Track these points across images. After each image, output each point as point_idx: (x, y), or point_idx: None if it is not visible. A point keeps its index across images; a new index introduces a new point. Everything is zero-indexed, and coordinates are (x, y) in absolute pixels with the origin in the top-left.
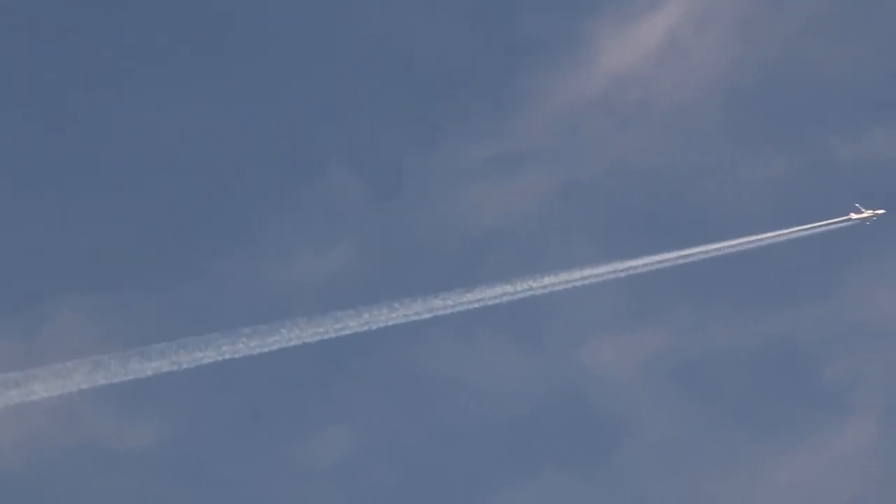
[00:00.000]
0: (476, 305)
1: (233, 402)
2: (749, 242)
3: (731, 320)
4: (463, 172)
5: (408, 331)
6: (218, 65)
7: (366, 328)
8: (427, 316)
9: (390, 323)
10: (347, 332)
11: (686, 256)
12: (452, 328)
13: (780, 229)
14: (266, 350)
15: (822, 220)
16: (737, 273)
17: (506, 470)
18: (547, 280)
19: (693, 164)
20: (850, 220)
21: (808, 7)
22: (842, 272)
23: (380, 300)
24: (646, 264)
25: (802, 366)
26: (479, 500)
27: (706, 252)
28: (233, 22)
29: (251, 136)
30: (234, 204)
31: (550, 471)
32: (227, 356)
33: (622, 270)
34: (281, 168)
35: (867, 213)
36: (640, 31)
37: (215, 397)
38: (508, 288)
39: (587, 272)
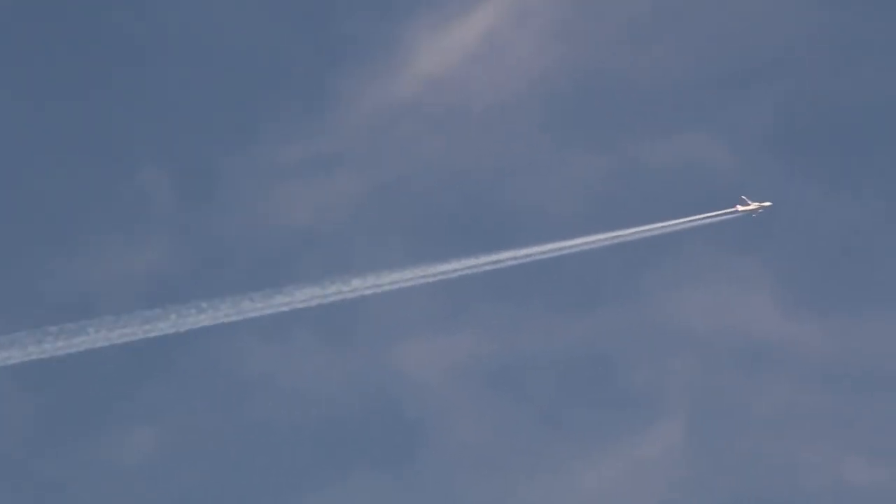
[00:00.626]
0: (285, 308)
1: (39, 402)
2: (587, 244)
3: (540, 324)
4: (276, 173)
5: (217, 331)
6: (30, 63)
7: (174, 329)
8: (237, 317)
9: (199, 324)
10: (156, 332)
11: (498, 262)
12: (263, 329)
13: (595, 232)
14: (73, 350)
15: (643, 225)
16: (546, 277)
17: (315, 471)
18: (357, 282)
19: (507, 167)
20: (736, 211)
21: (623, 12)
22: (648, 277)
23: (189, 300)
24: (457, 268)
25: (610, 369)
26: (288, 501)
27: (518, 257)
28: (46, 20)
29: (63, 134)
30: (43, 201)
31: (360, 472)
32: (35, 356)
33: (433, 273)
34: (92, 167)
35: (753, 206)
36: (456, 34)
37: (22, 397)
38: (319, 289)
39: (398, 274)
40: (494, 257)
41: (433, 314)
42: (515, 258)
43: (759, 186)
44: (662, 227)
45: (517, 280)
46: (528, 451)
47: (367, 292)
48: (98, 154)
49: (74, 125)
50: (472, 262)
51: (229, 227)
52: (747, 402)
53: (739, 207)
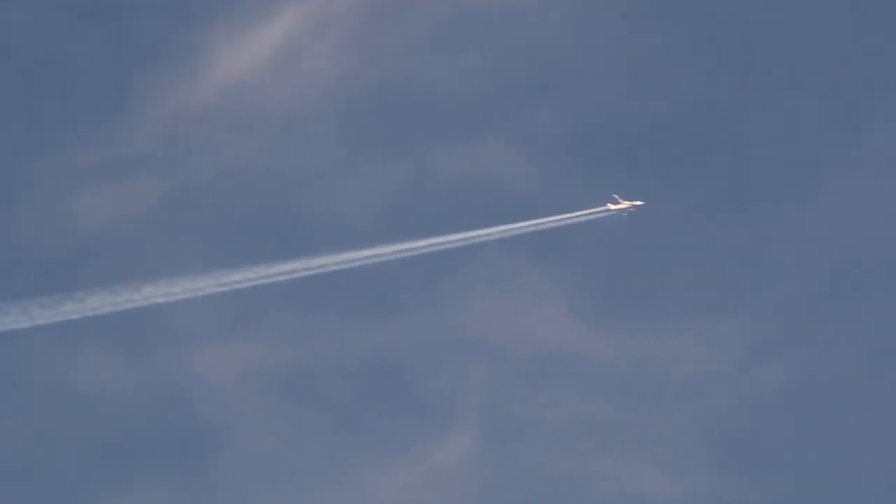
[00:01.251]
0: (76, 315)
1: None
2: (385, 253)
3: (335, 332)
4: (72, 177)
5: (6, 338)
6: None
7: None
8: (26, 323)
9: None
10: None
11: (293, 270)
12: (53, 335)
13: (390, 241)
14: None
15: (439, 233)
16: (343, 285)
17: (105, 478)
18: (150, 288)
19: (304, 174)
20: (608, 210)
21: (421, 21)
22: (444, 286)
23: None
24: (252, 275)
25: (404, 378)
26: None
27: (314, 265)
28: None
29: None
30: None
31: (151, 479)
32: None
33: (228, 280)
34: None
35: (625, 204)
36: (255, 40)
37: None
38: (111, 296)
39: (192, 281)
40: (290, 265)
41: (227, 321)
42: (311, 266)
43: (556, 196)
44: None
45: (313, 288)
46: (321, 459)
47: (160, 299)
48: None
49: None
50: (267, 269)
51: (21, 232)
52: (539, 411)
53: (611, 206)
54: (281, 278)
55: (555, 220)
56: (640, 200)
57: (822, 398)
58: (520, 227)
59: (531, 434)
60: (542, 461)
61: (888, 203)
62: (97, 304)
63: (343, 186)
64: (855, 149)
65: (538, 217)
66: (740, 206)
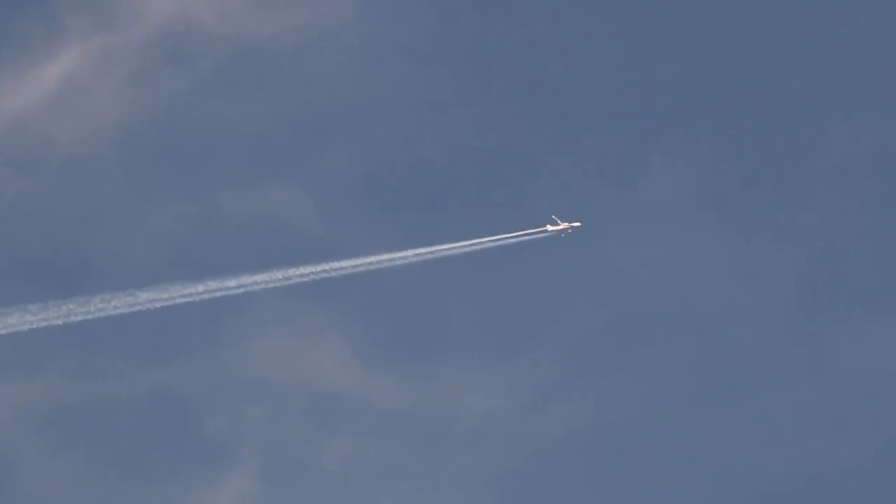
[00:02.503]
0: None
1: None
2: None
3: (116, 371)
4: None
5: None
6: None
7: None
8: None
9: None
10: None
11: (74, 311)
12: None
13: (174, 281)
14: None
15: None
16: (125, 323)
17: None
18: None
19: (88, 213)
20: (546, 231)
21: (204, 61)
22: (227, 327)
23: None
24: (33, 316)
25: (186, 419)
26: None
27: (98, 305)
28: None
29: None
30: None
31: None
32: None
33: (9, 320)
34: None
35: (563, 226)
36: (37, 77)
37: None
38: None
39: None
40: (72, 305)
41: (8, 361)
42: (94, 306)
43: (343, 239)
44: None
45: (95, 328)
46: (104, 498)
47: None
48: None
49: None
50: (49, 308)
51: None
52: (320, 453)
53: (549, 227)
54: (63, 318)
55: (492, 240)
56: (578, 222)
57: (602, 441)
58: (306, 271)
59: (311, 476)
60: (322, 503)
61: (665, 251)
62: None
63: (127, 226)
64: (632, 196)
65: (324, 259)
66: (520, 250)
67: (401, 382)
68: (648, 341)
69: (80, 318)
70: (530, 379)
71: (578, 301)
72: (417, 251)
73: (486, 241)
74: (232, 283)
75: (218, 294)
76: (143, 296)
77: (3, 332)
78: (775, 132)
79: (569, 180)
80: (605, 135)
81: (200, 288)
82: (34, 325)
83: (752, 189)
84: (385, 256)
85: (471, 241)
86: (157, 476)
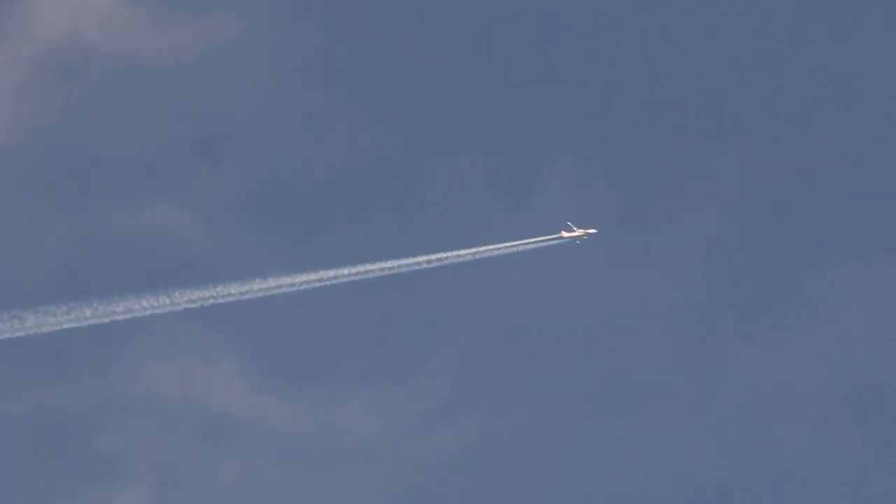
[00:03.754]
0: None
1: None
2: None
3: (8, 382)
4: None
5: None
6: None
7: None
8: None
9: None
10: None
11: None
12: None
13: (59, 302)
14: None
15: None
16: (11, 344)
17: None
18: None
19: None
20: (561, 237)
21: (92, 78)
22: (116, 348)
23: None
24: None
25: (75, 440)
26: None
27: None
28: None
29: None
30: None
31: None
32: None
33: None
34: None
35: (578, 232)
36: None
37: None
38: None
39: None
40: None
41: None
42: None
43: (230, 257)
44: (564, 238)
45: None
46: None
47: None
48: None
49: None
50: None
51: None
52: (209, 473)
53: (564, 234)
54: None
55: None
56: (593, 228)
57: (491, 460)
58: (195, 294)
59: (201, 495)
60: None
61: (554, 269)
62: None
63: (11, 245)
64: (523, 210)
65: (213, 279)
66: (412, 269)
67: (291, 404)
68: (537, 361)
69: None
70: (420, 400)
71: (468, 323)
72: (308, 276)
73: (466, 253)
74: (120, 305)
75: (106, 318)
76: (30, 318)
77: None
78: (665, 150)
79: (459, 199)
80: (496, 152)
81: (88, 312)
82: None
83: (640, 207)
84: (274, 282)
85: (364, 266)
86: (47, 496)
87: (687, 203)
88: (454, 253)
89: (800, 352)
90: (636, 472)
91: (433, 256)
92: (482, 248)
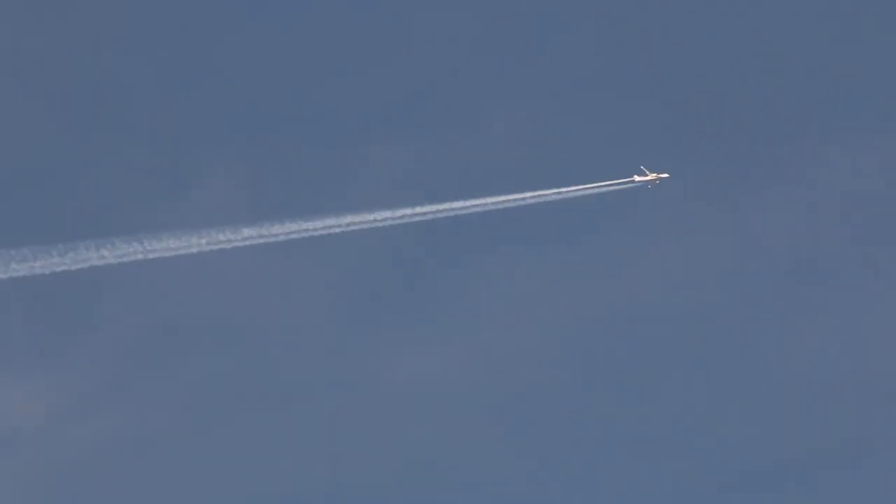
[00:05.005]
0: None
1: None
2: None
3: None
4: None
5: None
6: None
7: None
8: None
9: None
10: None
11: None
12: None
13: None
14: None
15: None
16: None
17: None
18: None
19: None
20: (633, 181)
21: None
22: None
23: None
24: None
25: None
26: None
27: None
28: None
29: None
30: None
31: None
32: None
33: None
34: None
35: (651, 176)
36: None
37: None
38: None
39: None
40: None
41: None
42: None
43: None
44: (636, 182)
45: None
46: None
47: None
48: None
49: None
50: None
51: None
52: None
53: (637, 178)
54: None
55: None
56: (666, 173)
57: (142, 449)
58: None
59: None
60: None
61: (213, 262)
62: None
63: None
64: (182, 207)
65: None
66: (69, 258)
67: None
68: (191, 353)
69: None
70: (64, 391)
71: (118, 310)
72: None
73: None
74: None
75: None
76: None
77: None
78: (318, 147)
79: (120, 191)
80: (156, 147)
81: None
82: None
83: (295, 203)
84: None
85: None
86: None
87: (344, 200)
88: (115, 244)
89: (435, 350)
90: (281, 466)
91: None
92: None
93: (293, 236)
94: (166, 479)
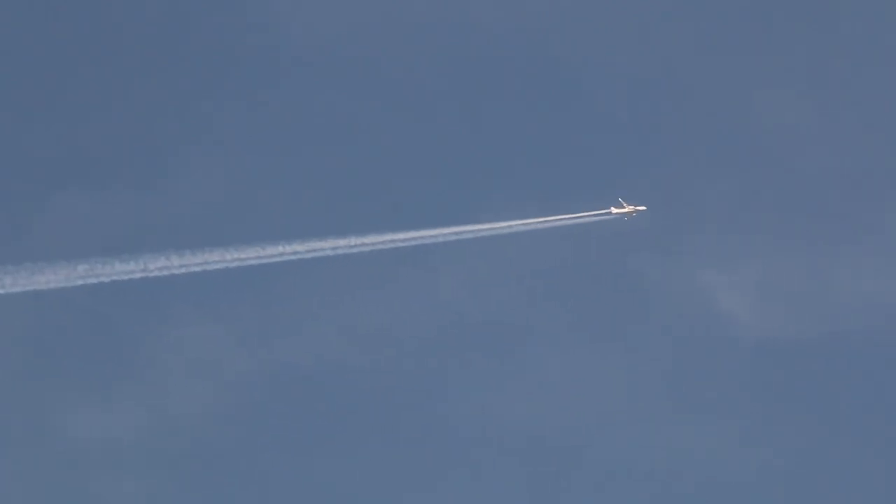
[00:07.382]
0: None
1: None
2: None
3: None
4: None
5: None
6: None
7: None
8: None
9: None
10: None
11: None
12: None
13: None
14: None
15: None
16: None
17: None
18: None
19: None
20: (610, 213)
21: None
22: None
23: None
24: None
25: None
26: None
27: None
28: None
29: None
30: None
31: None
32: None
33: None
34: None
35: (628, 209)
36: None
37: None
38: None
39: None
40: None
41: None
42: None
43: None
44: (612, 214)
45: None
46: None
47: None
48: None
49: None
50: None
51: None
52: None
53: (614, 210)
54: None
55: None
56: (644, 206)
57: None
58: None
59: None
60: None
61: None
62: None
63: None
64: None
65: None
66: None
67: None
68: None
69: None
70: None
71: None
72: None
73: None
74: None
75: None
76: None
77: None
78: None
79: None
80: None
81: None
82: None
83: None
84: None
85: None
86: None
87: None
88: None
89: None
90: None
91: None
92: None
93: None
94: None
